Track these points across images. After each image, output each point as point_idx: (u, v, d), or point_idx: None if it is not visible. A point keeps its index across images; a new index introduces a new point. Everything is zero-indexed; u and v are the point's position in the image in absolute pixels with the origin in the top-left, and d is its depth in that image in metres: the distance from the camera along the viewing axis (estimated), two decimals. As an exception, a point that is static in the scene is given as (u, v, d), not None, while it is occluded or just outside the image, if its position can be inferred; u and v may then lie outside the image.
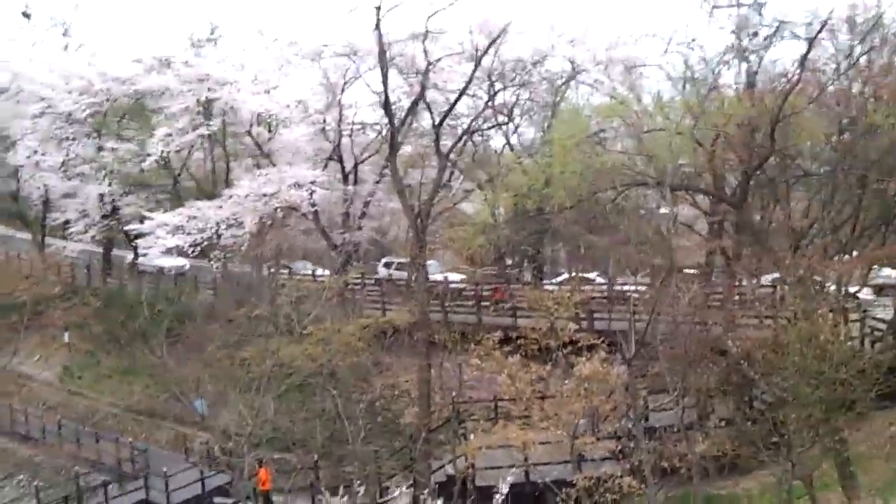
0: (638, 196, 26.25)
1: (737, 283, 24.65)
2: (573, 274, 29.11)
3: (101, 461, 32.14)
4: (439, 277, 37.02)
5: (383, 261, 44.20)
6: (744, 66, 24.33)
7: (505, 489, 21.51)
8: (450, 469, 23.55)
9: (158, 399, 36.23)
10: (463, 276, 37.95)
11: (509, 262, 39.15)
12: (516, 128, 34.89)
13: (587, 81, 32.70)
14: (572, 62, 33.04)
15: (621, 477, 17.82)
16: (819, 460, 18.13)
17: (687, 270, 26.93)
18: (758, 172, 22.46)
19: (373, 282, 40.03)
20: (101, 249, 48.30)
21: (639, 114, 24.56)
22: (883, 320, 24.08)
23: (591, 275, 33.40)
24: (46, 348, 41.62)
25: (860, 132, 22.12)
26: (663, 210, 29.26)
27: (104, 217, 44.51)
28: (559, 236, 30.11)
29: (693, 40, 25.63)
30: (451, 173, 37.05)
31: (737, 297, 24.37)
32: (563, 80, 33.05)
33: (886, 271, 30.32)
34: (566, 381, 19.22)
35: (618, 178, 23.16)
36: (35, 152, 41.70)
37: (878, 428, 21.45)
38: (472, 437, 23.79)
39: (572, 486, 18.34)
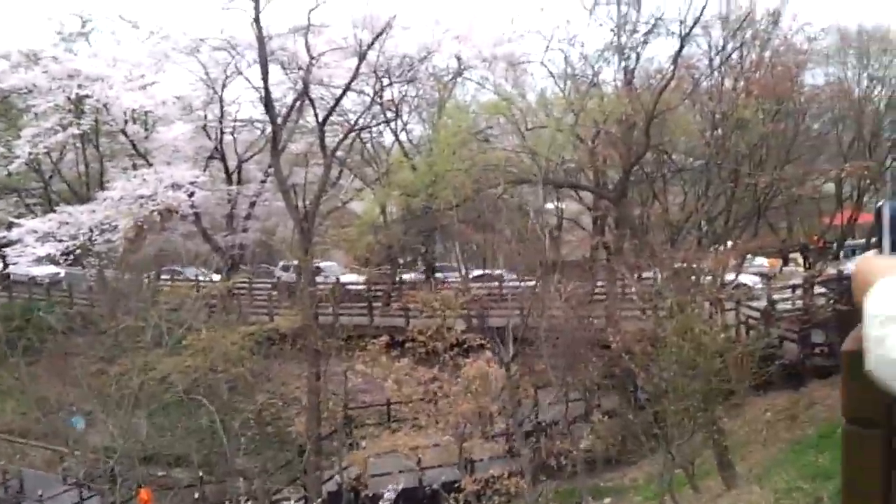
0: (524, 193, 26.36)
1: (618, 278, 25.06)
2: (465, 272, 28.91)
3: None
4: (342, 279, 36.22)
5: (281, 264, 42.96)
6: (622, 62, 24.68)
7: (392, 496, 21.27)
8: (339, 479, 23.03)
9: (31, 418, 34.06)
10: (360, 277, 37.32)
11: (401, 261, 38.72)
12: (405, 125, 34.44)
13: (474, 78, 32.62)
14: (458, 59, 32.80)
15: (508, 477, 17.72)
16: (699, 449, 18.58)
17: (571, 265, 27.25)
18: (636, 168, 22.83)
19: (265, 286, 38.87)
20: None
21: (522, 111, 24.61)
22: (757, 309, 24.96)
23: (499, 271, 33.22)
24: None
25: (731, 127, 22.80)
26: (549, 206, 29.59)
27: (-29, 224, 41.59)
28: (448, 235, 29.91)
29: (574, 37, 25.82)
30: (340, 171, 36.27)
31: (618, 292, 24.76)
32: (450, 76, 32.82)
33: (760, 260, 31.55)
34: (454, 384, 18.96)
35: (503, 175, 23.12)
36: None
37: (754, 415, 22.23)
38: (362, 444, 23.35)
39: (461, 491, 18.15)
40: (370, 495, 21.46)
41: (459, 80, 32.83)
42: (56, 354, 31.66)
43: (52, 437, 32.54)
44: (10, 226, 34.79)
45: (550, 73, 27.53)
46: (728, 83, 24.55)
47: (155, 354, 24.76)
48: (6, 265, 39.95)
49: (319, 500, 22.91)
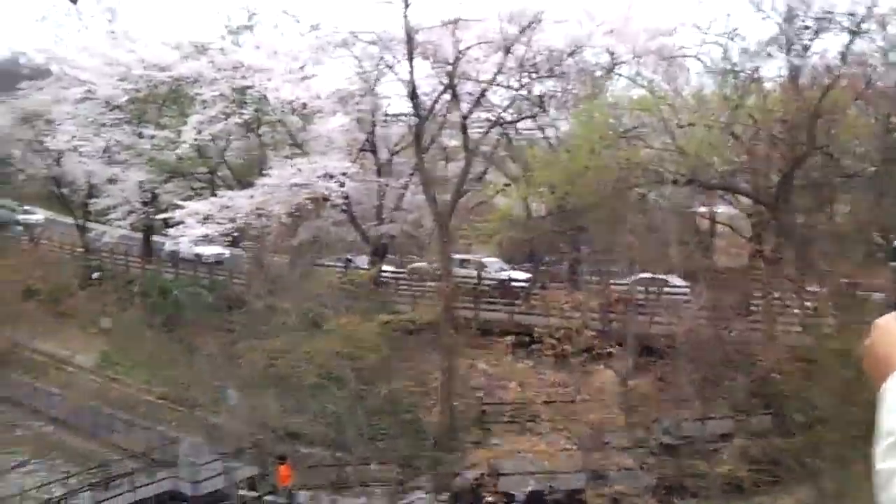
0: (672, 194, 25.08)
1: (775, 290, 23.29)
2: (642, 275, 27.69)
3: (133, 448, 32.41)
4: (503, 275, 36.07)
5: (457, 258, 43.21)
6: (787, 58, 22.86)
7: (522, 497, 20.86)
8: (470, 474, 22.92)
9: (190, 388, 36.39)
10: (523, 275, 36.97)
11: (546, 259, 38.10)
12: (552, 120, 33.70)
13: (625, 74, 31.43)
14: (611, 53, 31.76)
15: (638, 495, 16.90)
16: (856, 485, 16.96)
17: (724, 274, 25.69)
18: (798, 171, 21.08)
19: (406, 276, 39.40)
20: (140, 236, 48.90)
21: (674, 107, 23.34)
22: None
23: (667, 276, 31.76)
24: (85, 334, 42.18)
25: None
26: (701, 209, 28.04)
27: (144, 204, 44.98)
28: (591, 234, 29.01)
29: (734, 30, 24.18)
30: (486, 167, 36.16)
31: (774, 305, 23.02)
32: (601, 71, 31.78)
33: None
34: (582, 390, 18.32)
35: (648, 174, 22.05)
36: (74, 137, 42.16)
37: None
38: (493, 441, 23.12)
39: None
40: (499, 493, 21.16)
41: (610, 75, 31.77)
42: (222, 328, 33.38)
43: (207, 409, 34.79)
44: (175, 207, 37.21)
45: (707, 67, 26.06)
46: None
47: (298, 336, 25.66)
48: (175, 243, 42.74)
49: (447, 494, 22.92)
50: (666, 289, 24.77)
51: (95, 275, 46.15)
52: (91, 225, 50.88)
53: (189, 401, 36.03)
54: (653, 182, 21.95)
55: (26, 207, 58.54)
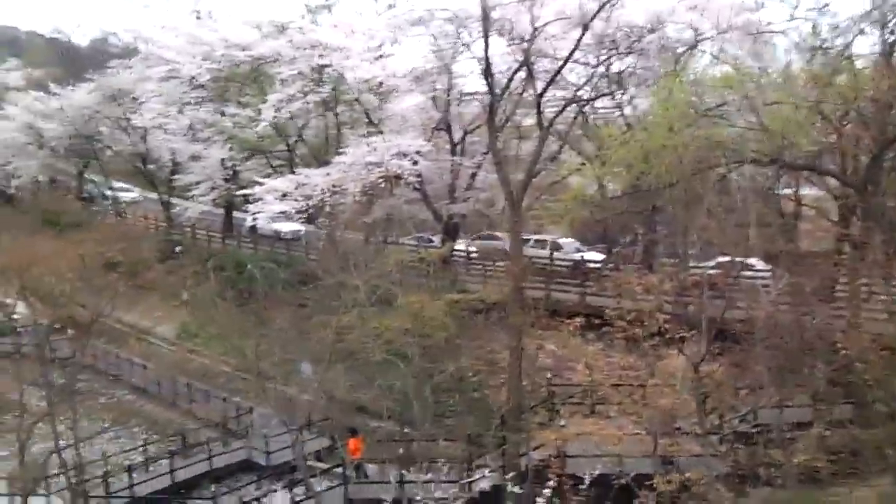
0: (756, 175, 24.15)
1: (862, 276, 22.19)
2: (684, 256, 27.07)
3: (210, 418, 33.44)
4: (579, 256, 35.70)
5: (533, 238, 43.01)
6: (880, 34, 21.64)
7: (588, 480, 20.53)
8: (536, 454, 22.75)
9: (266, 360, 37.25)
10: (599, 256, 36.47)
11: (621, 240, 37.46)
12: (631, 98, 32.92)
13: (709, 50, 30.37)
14: (694, 29, 30.74)
15: (708, 483, 16.41)
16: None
17: (809, 258, 24.66)
18: (890, 153, 19.99)
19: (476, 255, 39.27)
20: (222, 212, 50.25)
21: (760, 85, 22.37)
22: None
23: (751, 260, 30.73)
24: (167, 305, 43.66)
25: None
26: (785, 191, 26.91)
27: (226, 180, 46.21)
28: (667, 215, 28.28)
29: (825, 5, 23.06)
30: (561, 146, 35.60)
31: (861, 292, 21.96)
32: (683, 47, 30.78)
33: None
34: (653, 374, 17.88)
35: (729, 154, 21.23)
36: (158, 114, 43.51)
37: None
38: (561, 422, 22.86)
39: (654, 490, 17.14)
40: (566, 475, 20.92)
41: (693, 51, 30.76)
42: (297, 303, 34.02)
43: (281, 381, 35.59)
44: (255, 184, 38.06)
45: (795, 44, 24.93)
46: None
47: (368, 313, 25.90)
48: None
49: (513, 473, 22.80)
50: (745, 272, 23.96)
51: (178, 248, 47.72)
52: (175, 200, 52.60)
53: (262, 373, 37.03)
54: (734, 162, 21.11)
55: (119, 184, 60.82)
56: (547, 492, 19.20)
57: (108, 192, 59.15)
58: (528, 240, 38.97)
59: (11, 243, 32.47)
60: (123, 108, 49.53)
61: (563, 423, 22.20)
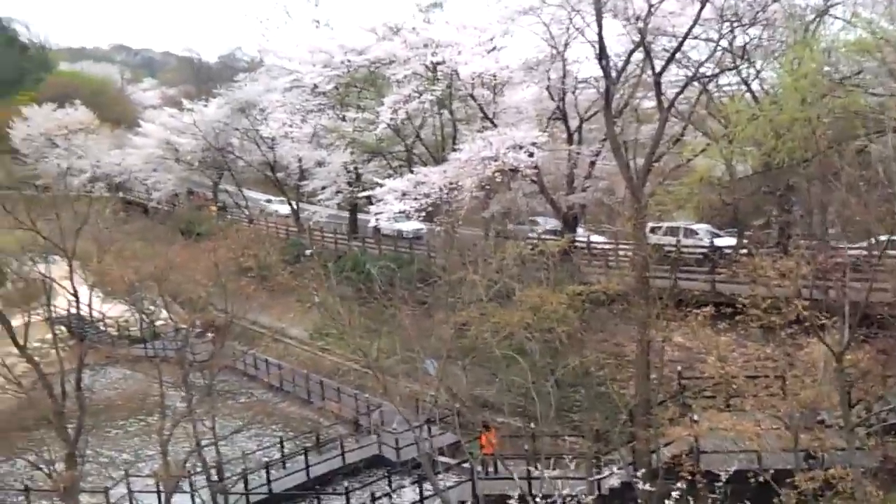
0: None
1: None
2: (822, 237, 25.14)
3: (342, 415, 34.32)
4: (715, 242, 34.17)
5: (649, 225, 41.85)
6: None
7: (724, 477, 19.46)
8: (667, 451, 21.85)
9: (393, 358, 37.81)
10: (733, 241, 34.78)
11: (754, 223, 35.39)
12: (758, 72, 30.99)
13: (840, 15, 28.05)
14: (825, -6, 28.53)
15: (849, 479, 15.10)
16: None
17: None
18: None
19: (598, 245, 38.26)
20: (347, 214, 51.57)
21: (898, 48, 20.50)
22: None
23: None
24: (300, 307, 45.15)
25: None
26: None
27: (349, 184, 47.42)
28: (803, 194, 26.36)
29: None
30: (685, 127, 34.05)
31: None
32: (812, 14, 28.64)
33: None
34: (792, 366, 16.65)
35: (869, 124, 19.57)
36: (284, 124, 45.09)
37: None
38: (694, 416, 21.84)
39: (795, 487, 15.99)
40: (700, 472, 19.98)
41: (823, 18, 28.54)
42: (403, 302, 34.37)
43: (409, 378, 36.03)
44: (376, 185, 38.73)
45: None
46: None
47: (487, 308, 25.63)
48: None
49: (643, 470, 21.98)
50: (892, 252, 21.99)
51: (307, 252, 49.27)
52: (304, 206, 54.46)
53: (386, 370, 37.58)
54: (875, 132, 19.40)
55: (269, 198, 63.31)
56: (680, 488, 18.37)
57: (262, 203, 61.50)
58: (658, 227, 37.79)
59: (152, 253, 34.45)
60: (251, 120, 51.73)
61: (695, 417, 21.20)
